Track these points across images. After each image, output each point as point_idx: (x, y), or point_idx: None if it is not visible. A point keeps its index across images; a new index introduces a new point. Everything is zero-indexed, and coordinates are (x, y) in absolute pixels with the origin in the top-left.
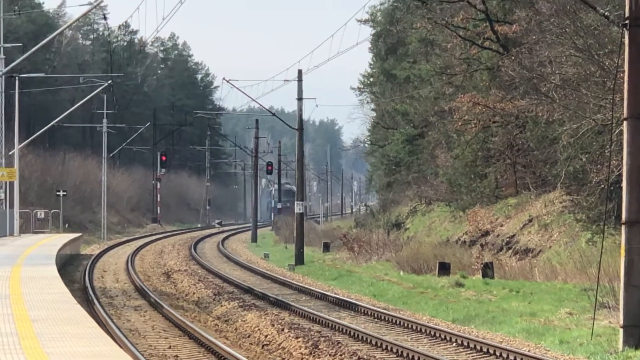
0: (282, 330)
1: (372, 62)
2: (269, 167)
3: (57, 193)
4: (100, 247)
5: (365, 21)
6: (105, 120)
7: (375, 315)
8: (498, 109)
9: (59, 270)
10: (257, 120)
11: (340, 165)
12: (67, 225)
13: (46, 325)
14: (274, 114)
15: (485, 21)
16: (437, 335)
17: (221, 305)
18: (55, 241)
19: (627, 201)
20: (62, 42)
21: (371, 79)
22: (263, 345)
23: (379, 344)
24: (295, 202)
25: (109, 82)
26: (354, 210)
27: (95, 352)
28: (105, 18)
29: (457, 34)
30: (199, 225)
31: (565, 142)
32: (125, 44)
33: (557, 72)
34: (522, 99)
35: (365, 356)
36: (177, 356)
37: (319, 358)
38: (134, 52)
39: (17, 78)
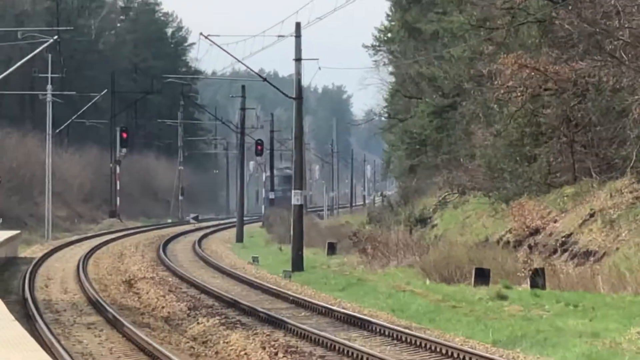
0: (276, 354)
1: (390, 13)
2: (259, 147)
3: None
4: (44, 248)
5: None
6: (49, 87)
7: (395, 335)
8: (551, 73)
9: None
10: (243, 87)
11: (350, 144)
12: (1, 220)
13: None
14: (264, 79)
15: None
16: None
17: (198, 323)
18: None
19: None
20: None
21: (389, 35)
22: None
23: None
24: (293, 191)
25: (55, 37)
26: (366, 201)
27: None
28: None
29: None
30: (170, 221)
31: (637, 115)
32: None
33: (626, 25)
34: (581, 61)
35: None
36: None
37: None
38: (86, 0)
39: None
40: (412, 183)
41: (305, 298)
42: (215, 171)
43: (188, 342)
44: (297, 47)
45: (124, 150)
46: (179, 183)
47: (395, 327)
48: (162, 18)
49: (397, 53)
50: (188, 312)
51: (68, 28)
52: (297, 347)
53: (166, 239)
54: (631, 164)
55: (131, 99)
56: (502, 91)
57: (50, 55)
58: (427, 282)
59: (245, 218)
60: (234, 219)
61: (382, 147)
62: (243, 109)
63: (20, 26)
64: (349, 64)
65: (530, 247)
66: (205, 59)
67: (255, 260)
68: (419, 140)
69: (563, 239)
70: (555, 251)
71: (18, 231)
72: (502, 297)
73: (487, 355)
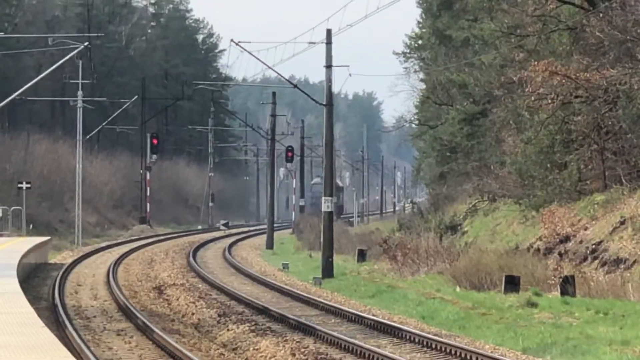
0: None
1: (421, 20)
2: (289, 154)
3: (19, 185)
4: (74, 254)
5: None
6: (80, 93)
7: (425, 343)
8: (582, 81)
9: (21, 284)
10: (274, 94)
11: (380, 150)
12: (31, 226)
13: (4, 355)
14: (295, 86)
15: None
16: None
17: (228, 330)
18: (17, 246)
19: None
20: None
21: (420, 42)
22: None
23: None
24: (323, 198)
25: (86, 44)
26: (397, 208)
27: None
28: None
29: None
30: (200, 227)
31: None
32: None
33: None
34: (612, 68)
35: None
36: None
37: None
38: (117, 7)
39: None
40: (443, 190)
41: (335, 305)
42: (245, 178)
43: (218, 349)
44: (327, 54)
45: (155, 156)
46: (209, 189)
47: (425, 335)
48: (193, 24)
49: (427, 60)
50: (218, 318)
51: (99, 34)
52: (327, 354)
53: (196, 246)
54: None
55: (162, 105)
56: (532, 98)
57: (81, 62)
58: (457, 289)
59: (275, 225)
60: (264, 226)
61: (412, 154)
62: (273, 115)
63: (51, 32)
64: (379, 70)
65: (560, 254)
66: (236, 65)
67: (285, 267)
68: (449, 147)
69: (593, 246)
70: (585, 258)
71: (48, 237)
72: (532, 305)
73: None
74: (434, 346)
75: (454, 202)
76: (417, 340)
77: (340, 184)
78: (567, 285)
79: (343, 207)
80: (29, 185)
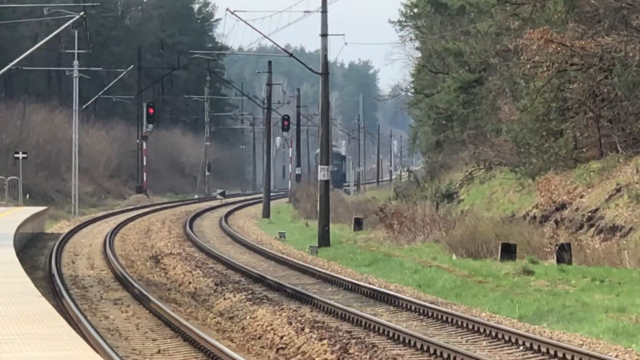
0: (302, 329)
1: None
2: (285, 122)
3: (16, 155)
4: (71, 224)
5: None
6: (76, 63)
7: (421, 311)
8: (577, 48)
9: (18, 254)
10: (269, 63)
11: (376, 119)
12: (28, 196)
13: (1, 325)
14: (291, 55)
15: None
16: (500, 336)
17: (224, 298)
18: (13, 216)
19: None
20: None
21: (415, 10)
22: (278, 349)
23: (425, 348)
24: (319, 167)
25: (82, 13)
26: (393, 177)
27: (64, 357)
28: None
29: None
30: (196, 197)
31: None
32: None
33: None
34: (607, 36)
35: None
36: None
37: None
38: None
39: None
40: (439, 158)
41: (332, 273)
42: (241, 147)
43: (215, 318)
44: (323, 23)
45: (151, 126)
46: (206, 159)
47: (422, 303)
48: None
49: (423, 28)
50: (215, 287)
51: (94, 4)
52: (323, 323)
53: (193, 215)
54: None
55: (158, 74)
56: (528, 66)
57: (76, 32)
58: (454, 257)
59: (271, 193)
60: (261, 195)
61: (408, 122)
62: (269, 84)
63: (47, 2)
64: (375, 39)
65: (556, 222)
66: (232, 34)
67: (281, 235)
68: (445, 116)
69: (589, 214)
70: (581, 226)
71: (45, 207)
72: (529, 273)
73: (514, 330)
74: (430, 314)
75: (450, 171)
76: (413, 308)
77: (342, 152)
78: (563, 253)
79: (345, 175)
80: (25, 155)
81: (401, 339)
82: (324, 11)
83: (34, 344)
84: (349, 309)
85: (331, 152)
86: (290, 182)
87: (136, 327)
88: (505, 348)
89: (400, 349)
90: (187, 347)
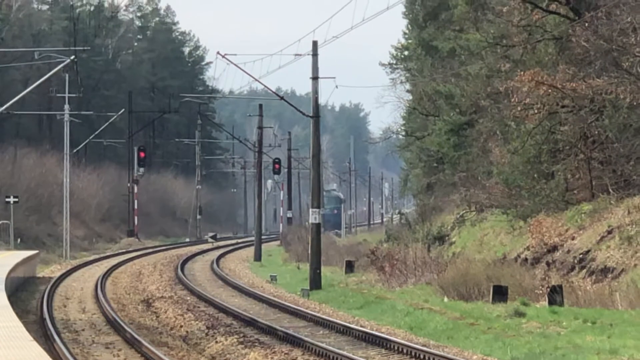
0: None
1: (407, 31)
2: (277, 166)
3: (7, 199)
4: (62, 267)
5: None
6: (67, 107)
7: (413, 354)
8: (568, 90)
9: (9, 297)
10: (260, 106)
11: (367, 162)
12: (19, 240)
13: None
14: (282, 98)
15: None
16: None
17: (216, 342)
18: (4, 260)
19: None
20: (12, 7)
21: (406, 53)
22: None
23: None
24: (310, 210)
25: (72, 57)
26: (384, 219)
27: None
28: None
29: None
30: (188, 240)
31: None
32: (92, 8)
33: None
34: (598, 77)
35: None
36: None
37: None
38: (103, 20)
39: None
40: (430, 201)
41: (324, 316)
42: (233, 190)
43: None
44: (314, 66)
45: (142, 169)
46: (197, 202)
47: (413, 345)
48: (179, 37)
49: (414, 71)
50: (206, 331)
51: (85, 48)
52: None
53: (184, 258)
54: None
55: (149, 118)
56: (519, 108)
57: (67, 75)
58: (445, 299)
59: (263, 236)
60: (252, 238)
61: (399, 165)
62: (260, 127)
63: (38, 46)
64: (366, 81)
65: (548, 264)
66: (223, 78)
67: (273, 278)
68: (436, 158)
69: (581, 255)
70: (573, 268)
71: (36, 251)
72: (520, 315)
73: None
74: (422, 356)
75: (441, 213)
76: (405, 350)
77: (342, 196)
78: (555, 295)
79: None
80: (16, 199)
81: None
82: (315, 54)
83: None
84: (341, 352)
85: (330, 196)
86: (281, 225)
87: None
88: None
89: None
90: None
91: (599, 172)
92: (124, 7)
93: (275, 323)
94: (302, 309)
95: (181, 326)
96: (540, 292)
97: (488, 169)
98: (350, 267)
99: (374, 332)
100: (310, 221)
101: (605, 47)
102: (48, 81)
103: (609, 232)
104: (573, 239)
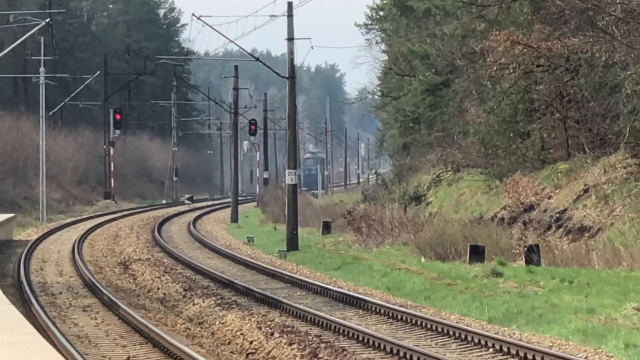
0: (272, 334)
1: None
2: (252, 127)
3: None
4: (39, 230)
5: None
6: (42, 70)
7: (390, 314)
8: (543, 50)
9: None
10: (236, 67)
11: (343, 122)
12: None
13: None
14: (257, 59)
15: None
16: (469, 338)
17: (193, 304)
18: None
19: None
20: None
21: (381, 13)
22: (247, 355)
23: (395, 351)
24: (286, 171)
25: (47, 20)
26: (361, 180)
27: None
28: None
29: None
30: (164, 202)
31: (630, 90)
32: None
33: (617, 1)
34: (573, 37)
35: None
36: None
37: None
38: None
39: None
40: (406, 161)
41: (301, 277)
42: (209, 151)
43: (184, 323)
44: (289, 27)
45: (118, 131)
46: (173, 164)
47: (391, 306)
48: None
49: (389, 31)
50: (184, 293)
51: (60, 10)
52: (293, 327)
53: (161, 220)
54: (624, 139)
55: (124, 80)
56: (494, 68)
57: (42, 38)
58: (422, 260)
59: (239, 198)
60: (229, 199)
61: (375, 125)
62: (236, 89)
63: (12, 9)
64: (341, 42)
65: (524, 223)
66: (198, 39)
67: (250, 240)
68: (412, 118)
69: (557, 215)
70: (549, 227)
71: (12, 214)
72: (497, 274)
73: (483, 332)
74: (399, 317)
75: (417, 173)
76: (382, 311)
77: (327, 157)
78: (532, 254)
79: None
80: None
81: (370, 342)
82: (290, 15)
83: (3, 352)
84: (318, 313)
85: (316, 157)
86: (258, 186)
87: (106, 334)
88: (474, 350)
89: (369, 353)
90: (157, 354)
91: (574, 131)
92: None
93: (252, 285)
94: (279, 270)
95: (158, 288)
96: (517, 251)
97: (464, 129)
98: (327, 227)
99: (351, 293)
100: (286, 182)
101: (581, 6)
102: (23, 44)
103: (585, 191)
104: (549, 198)
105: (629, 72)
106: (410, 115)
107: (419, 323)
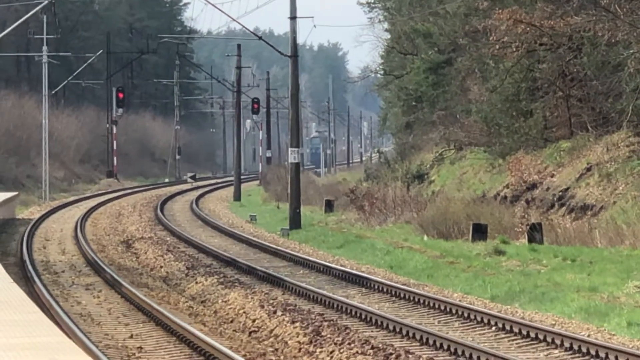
0: (274, 312)
1: None
2: (255, 105)
3: None
4: (42, 209)
5: None
6: (45, 48)
7: (393, 292)
8: (546, 28)
9: None
10: (239, 46)
11: (346, 101)
12: None
13: None
14: (260, 38)
15: None
16: (472, 317)
17: (196, 282)
18: None
19: None
20: None
21: None
22: (250, 333)
23: (397, 329)
24: (289, 149)
25: None
26: (363, 158)
27: (37, 343)
28: None
29: None
30: (167, 180)
31: (633, 69)
32: None
33: None
34: (576, 15)
35: (380, 345)
36: (140, 348)
37: (322, 348)
38: None
39: None
40: (409, 139)
41: (303, 256)
42: (211, 130)
43: (187, 302)
44: (292, 5)
45: (121, 110)
46: (176, 142)
47: (394, 284)
48: None
49: (392, 10)
50: (186, 271)
51: None
52: (295, 305)
53: (164, 199)
54: (627, 118)
55: (127, 59)
56: (497, 47)
57: (45, 17)
58: (425, 238)
59: (242, 176)
60: (231, 178)
61: (378, 104)
62: (239, 67)
63: None
64: (344, 21)
65: (527, 202)
66: (201, 18)
67: (253, 218)
68: (415, 97)
69: (560, 193)
70: (552, 206)
71: (15, 193)
72: (500, 253)
73: (485, 310)
74: (402, 295)
75: (420, 151)
76: (385, 289)
77: (333, 136)
78: (535, 233)
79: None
80: None
81: (373, 320)
82: None
83: (6, 330)
84: (321, 291)
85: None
86: (260, 164)
87: (108, 312)
88: (477, 328)
89: (372, 331)
90: (160, 332)
91: (577, 110)
92: None
93: (255, 263)
94: (282, 248)
95: (161, 267)
96: (520, 230)
97: (467, 107)
98: (329, 206)
99: (354, 271)
100: (289, 160)
101: None
102: (26, 23)
103: (588, 170)
104: (552, 176)
105: (631, 51)
106: (412, 93)
107: (421, 301)
